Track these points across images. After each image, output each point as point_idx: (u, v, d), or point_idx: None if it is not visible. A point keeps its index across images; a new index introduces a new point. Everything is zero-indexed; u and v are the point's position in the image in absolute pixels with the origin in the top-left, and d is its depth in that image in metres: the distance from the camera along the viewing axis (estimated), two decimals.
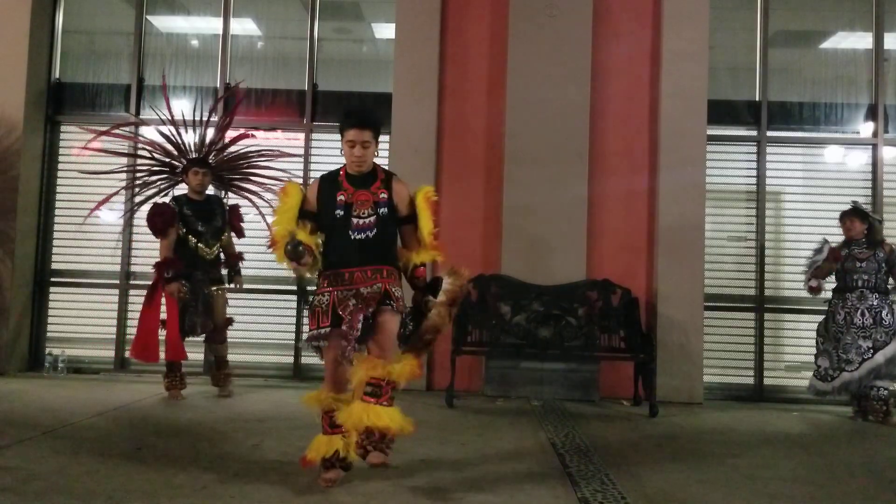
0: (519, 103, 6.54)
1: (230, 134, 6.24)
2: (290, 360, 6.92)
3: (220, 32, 7.14)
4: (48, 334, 7.03)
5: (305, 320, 6.75)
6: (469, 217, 6.57)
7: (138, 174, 6.11)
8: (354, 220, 3.57)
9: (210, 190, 6.06)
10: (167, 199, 5.92)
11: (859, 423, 5.78)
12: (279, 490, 3.44)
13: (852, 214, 5.96)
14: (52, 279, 7.05)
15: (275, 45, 7.49)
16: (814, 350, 6.11)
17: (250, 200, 6.14)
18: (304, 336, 3.69)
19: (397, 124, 6.59)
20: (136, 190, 6.09)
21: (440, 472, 3.86)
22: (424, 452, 4.13)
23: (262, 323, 6.95)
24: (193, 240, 5.75)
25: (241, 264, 6.08)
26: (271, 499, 3.33)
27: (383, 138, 6.68)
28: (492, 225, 6.60)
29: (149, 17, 7.26)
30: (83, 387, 6.03)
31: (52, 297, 7.06)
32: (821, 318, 6.08)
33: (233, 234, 6.04)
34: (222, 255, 6.00)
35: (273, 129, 7.04)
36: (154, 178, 6.06)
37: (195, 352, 6.80)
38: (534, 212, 6.44)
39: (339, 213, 3.59)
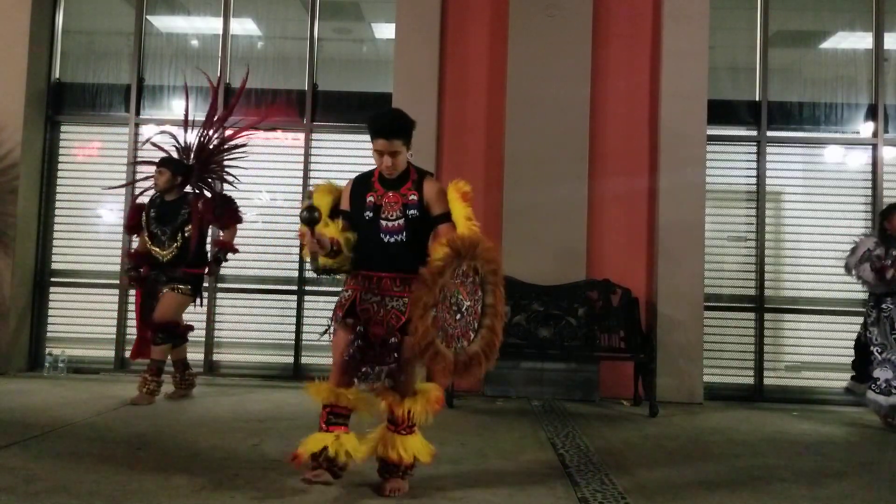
0: (519, 103, 6.54)
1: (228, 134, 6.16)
2: (290, 360, 6.92)
3: (220, 32, 7.14)
4: (48, 334, 7.02)
5: (306, 321, 6.88)
6: None
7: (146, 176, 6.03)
8: (383, 223, 3.47)
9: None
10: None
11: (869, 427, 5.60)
12: (279, 490, 3.44)
13: None
14: (52, 279, 7.05)
15: (275, 45, 7.48)
16: (815, 350, 6.07)
17: (222, 187, 6.02)
18: (327, 327, 3.58)
19: None
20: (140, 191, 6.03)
21: (440, 471, 3.85)
22: None
23: (262, 323, 6.95)
24: (149, 241, 5.69)
25: (225, 254, 5.77)
26: (271, 499, 3.33)
27: None
28: (492, 225, 6.58)
29: (149, 17, 7.26)
30: (83, 387, 6.03)
31: (52, 297, 7.05)
32: (829, 318, 5.92)
33: (204, 225, 5.72)
34: (209, 252, 5.85)
35: (273, 129, 7.05)
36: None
37: (195, 351, 6.84)
38: (534, 212, 6.44)
39: (369, 214, 3.49)
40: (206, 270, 5.78)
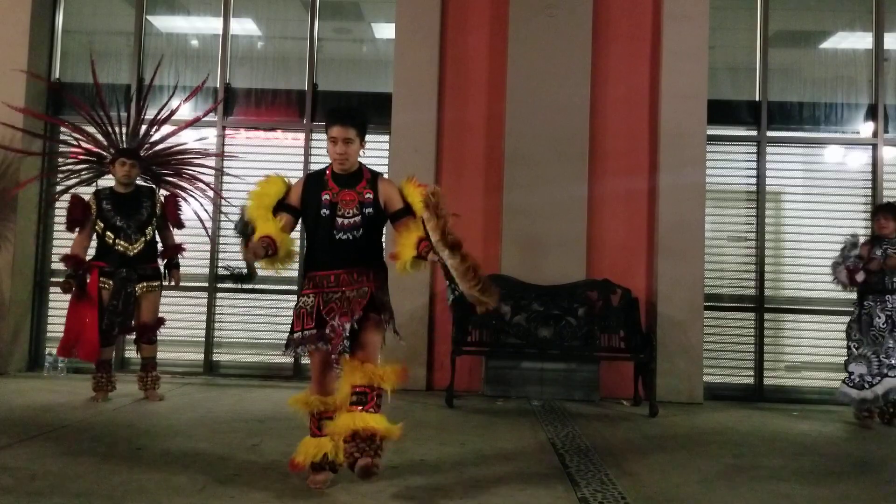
0: (519, 103, 6.54)
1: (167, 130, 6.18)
2: (290, 360, 6.89)
3: (220, 32, 7.14)
4: (48, 334, 7.01)
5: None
6: (469, 217, 6.55)
7: (63, 162, 5.89)
8: (339, 220, 3.51)
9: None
10: (92, 191, 5.73)
11: (873, 427, 5.59)
12: (279, 490, 3.44)
13: (888, 211, 5.73)
14: (52, 279, 7.03)
15: (275, 45, 7.49)
16: (815, 350, 6.08)
17: (182, 196, 5.96)
18: (287, 339, 3.62)
19: (397, 124, 6.59)
20: (59, 179, 5.88)
21: (440, 472, 3.86)
22: (424, 452, 4.13)
23: (261, 323, 6.94)
24: (111, 236, 5.51)
25: (180, 257, 5.78)
26: (271, 499, 3.33)
27: (383, 138, 6.73)
28: (492, 225, 6.60)
29: (149, 17, 7.26)
30: (83, 387, 6.02)
31: (51, 297, 7.04)
32: (829, 318, 5.95)
33: (172, 225, 5.73)
34: (160, 248, 5.73)
35: (273, 129, 7.06)
36: (79, 167, 5.89)
37: (195, 351, 6.85)
38: (534, 212, 6.44)
39: (325, 212, 3.52)
40: (172, 279, 5.72)
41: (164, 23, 7.46)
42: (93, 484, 3.44)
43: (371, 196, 3.55)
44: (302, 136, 7.05)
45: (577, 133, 6.53)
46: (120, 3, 7.48)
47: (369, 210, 3.53)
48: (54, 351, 6.75)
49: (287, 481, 3.56)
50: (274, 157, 7.03)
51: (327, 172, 3.63)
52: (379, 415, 3.40)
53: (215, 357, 6.94)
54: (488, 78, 6.76)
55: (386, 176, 3.76)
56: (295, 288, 6.89)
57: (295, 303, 3.66)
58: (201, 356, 6.84)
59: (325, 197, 3.55)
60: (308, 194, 3.59)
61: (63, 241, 7.03)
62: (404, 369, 3.55)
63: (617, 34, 6.76)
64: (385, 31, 7.35)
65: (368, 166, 3.71)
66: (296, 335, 3.54)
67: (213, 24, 7.27)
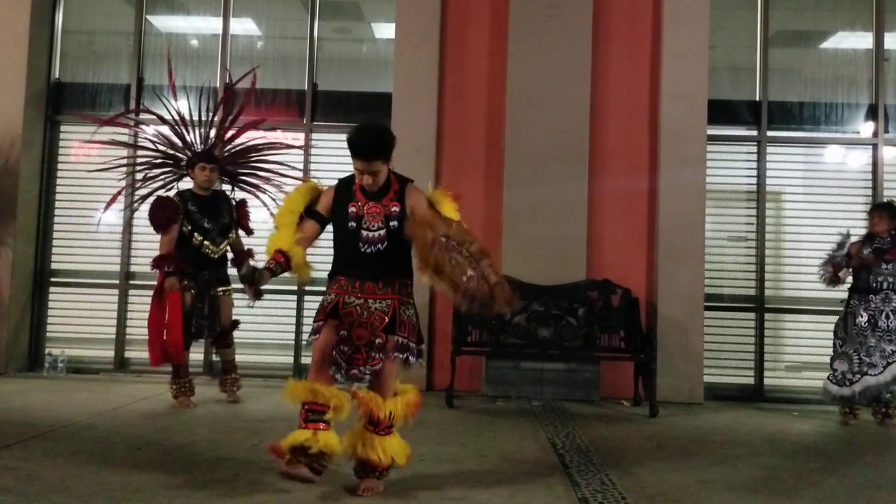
0: (519, 103, 6.54)
1: (233, 131, 6.16)
2: (290, 360, 6.92)
3: (220, 32, 7.14)
4: (48, 334, 7.02)
5: (306, 321, 6.87)
6: (469, 217, 6.51)
7: (140, 167, 5.82)
8: (364, 233, 3.49)
9: (216, 186, 5.81)
10: (171, 194, 5.62)
11: (853, 424, 5.66)
12: (279, 490, 3.44)
13: (882, 210, 5.76)
14: (52, 279, 7.04)
15: (275, 45, 7.48)
16: (815, 350, 6.10)
17: (256, 195, 5.93)
18: (309, 333, 3.61)
19: (397, 124, 6.58)
20: (139, 184, 5.79)
21: (440, 472, 3.86)
22: (424, 452, 4.13)
23: (262, 323, 6.94)
24: (199, 237, 5.45)
25: (251, 262, 5.70)
26: (271, 499, 3.33)
27: None
28: (492, 225, 6.59)
29: (149, 17, 7.26)
30: (83, 387, 6.03)
31: (51, 297, 7.05)
32: (829, 318, 5.98)
33: (241, 231, 5.75)
34: (230, 254, 5.72)
35: (273, 128, 7.04)
36: (157, 171, 5.80)
37: (195, 351, 6.83)
38: (534, 212, 6.44)
39: (352, 224, 3.51)
40: (253, 292, 5.77)
41: (164, 23, 7.46)
42: (93, 484, 3.44)
43: (397, 209, 3.52)
44: (302, 136, 7.05)
45: (577, 133, 6.53)
46: (120, 3, 7.48)
47: (394, 223, 3.50)
48: (54, 351, 6.78)
49: (287, 481, 3.55)
50: (273, 156, 7.02)
51: (356, 182, 3.58)
52: (390, 437, 3.44)
53: (215, 357, 6.92)
54: (488, 78, 6.76)
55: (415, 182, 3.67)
56: (294, 288, 6.90)
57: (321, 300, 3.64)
58: (201, 356, 6.84)
59: (352, 209, 3.53)
60: (336, 204, 3.58)
61: (63, 242, 7.06)
62: (419, 401, 3.59)
63: (617, 34, 6.76)
64: (385, 31, 7.35)
65: (397, 173, 3.63)
66: (315, 326, 3.55)
67: (212, 24, 7.27)
